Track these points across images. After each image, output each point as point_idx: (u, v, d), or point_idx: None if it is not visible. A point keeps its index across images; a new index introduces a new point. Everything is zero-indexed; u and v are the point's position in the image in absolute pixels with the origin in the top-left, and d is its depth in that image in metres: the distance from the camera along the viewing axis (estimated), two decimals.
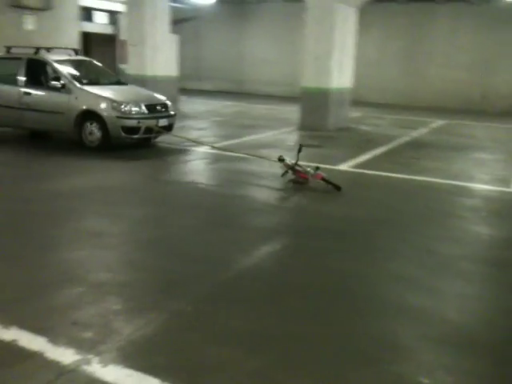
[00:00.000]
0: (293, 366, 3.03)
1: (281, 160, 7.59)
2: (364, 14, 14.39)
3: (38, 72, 9.59)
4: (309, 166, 7.36)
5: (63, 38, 19.60)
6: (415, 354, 3.24)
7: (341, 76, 12.92)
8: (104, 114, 8.73)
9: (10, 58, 10.05)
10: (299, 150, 7.52)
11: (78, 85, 9.06)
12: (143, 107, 9.03)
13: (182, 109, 16.16)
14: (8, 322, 3.27)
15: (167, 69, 15.81)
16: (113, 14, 23.56)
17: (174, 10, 16.19)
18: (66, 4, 19.57)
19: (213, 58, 25.06)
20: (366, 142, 11.50)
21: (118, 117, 8.73)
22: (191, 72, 24.07)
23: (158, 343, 3.17)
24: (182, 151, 9.41)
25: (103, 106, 8.78)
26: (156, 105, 9.41)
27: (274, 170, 7.97)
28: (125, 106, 8.79)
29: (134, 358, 3.01)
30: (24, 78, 9.41)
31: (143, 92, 10.20)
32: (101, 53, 28.03)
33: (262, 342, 3.26)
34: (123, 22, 20.48)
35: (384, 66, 21.32)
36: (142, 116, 8.97)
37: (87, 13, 22.30)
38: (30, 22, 18.08)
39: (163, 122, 9.33)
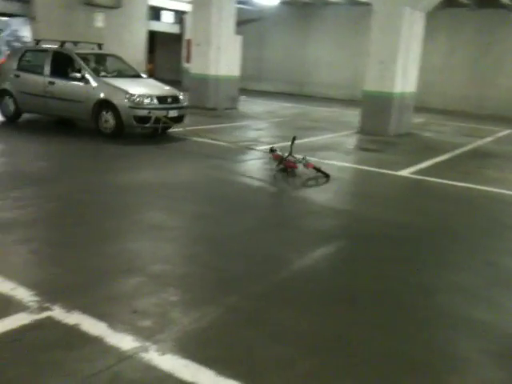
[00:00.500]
0: (346, 370, 3.00)
1: (272, 151, 8.20)
2: (431, 19, 14.05)
3: (62, 64, 10.14)
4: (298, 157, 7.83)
5: (131, 36, 20.22)
6: (475, 366, 3.14)
7: (405, 81, 12.67)
8: (118, 103, 9.35)
9: (38, 50, 10.85)
10: (293, 141, 8.08)
11: (95, 76, 9.73)
12: (155, 99, 9.61)
13: (241, 109, 16.33)
14: (71, 307, 3.39)
15: (230, 69, 15.97)
16: (179, 14, 24.07)
17: (239, 11, 16.33)
18: (136, 3, 20.15)
19: (274, 59, 25.14)
20: (429, 148, 11.22)
21: (130, 107, 9.33)
22: (252, 73, 24.23)
23: (213, 336, 3.22)
24: (235, 151, 9.47)
25: (118, 96, 9.40)
26: (167, 97, 9.97)
27: (332, 174, 7.91)
28: (137, 97, 9.38)
29: (190, 348, 3.06)
30: (49, 69, 10.10)
31: (157, 85, 10.68)
32: (165, 51, 28.79)
33: (314, 343, 3.24)
34: (189, 21, 20.88)
35: (449, 72, 20.73)
36: (153, 107, 9.54)
37: (154, 12, 22.87)
38: (100, 20, 18.72)
39: (173, 113, 9.94)
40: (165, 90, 10.35)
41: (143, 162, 8.09)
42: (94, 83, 9.62)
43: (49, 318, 3.24)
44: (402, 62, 12.34)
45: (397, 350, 3.23)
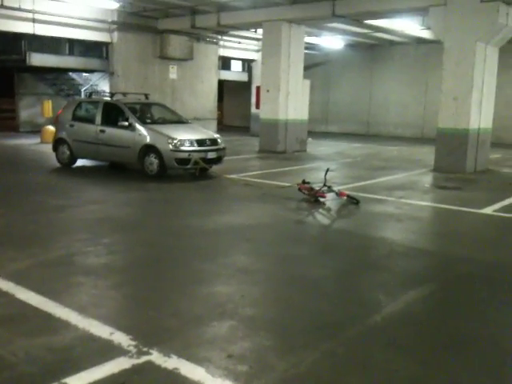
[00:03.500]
0: None
1: (305, 183, 8.83)
2: (504, 52, 13.74)
3: (112, 113, 11.04)
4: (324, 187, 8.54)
5: (203, 86, 21.04)
6: None
7: (480, 117, 12.36)
8: (161, 147, 10.07)
9: (91, 101, 12.08)
10: (326, 173, 8.85)
11: (141, 124, 10.50)
12: (194, 142, 10.26)
13: (310, 151, 16.41)
14: (168, 351, 3.41)
15: (298, 113, 16.19)
16: (246, 62, 24.82)
17: (306, 55, 16.63)
18: (207, 54, 21.03)
19: (340, 100, 25.29)
20: (510, 184, 10.78)
21: (172, 150, 10.01)
22: (319, 115, 24.46)
23: (312, 382, 3.14)
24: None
25: (160, 141, 10.13)
26: (206, 140, 10.58)
27: (411, 213, 7.74)
28: (178, 141, 10.02)
29: None
30: (100, 118, 11.02)
31: (197, 129, 11.36)
32: (234, 99, 29.65)
33: None
34: (257, 69, 21.49)
35: None
36: (193, 149, 10.15)
37: (224, 62, 23.70)
38: (173, 72, 19.62)
39: (212, 155, 10.59)
40: (204, 133, 11.03)
41: (215, 206, 8.21)
42: (139, 130, 10.37)
43: (148, 363, 3.27)
44: (477, 97, 12.08)
45: None
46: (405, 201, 8.76)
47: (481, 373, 3.32)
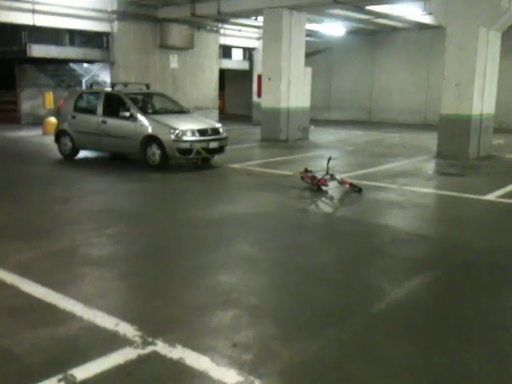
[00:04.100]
0: None
1: (307, 171, 8.84)
2: (506, 37, 13.61)
3: (113, 104, 11.04)
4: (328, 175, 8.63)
5: (204, 75, 20.97)
6: None
7: (482, 102, 12.29)
8: (162, 137, 10.06)
9: (92, 92, 12.18)
10: (328, 161, 8.93)
11: (143, 114, 10.48)
12: (196, 132, 10.23)
13: (312, 139, 16.37)
14: (173, 341, 3.43)
15: (300, 101, 16.13)
16: (247, 51, 24.70)
17: (307, 43, 16.54)
18: (207, 43, 20.93)
19: (342, 88, 25.19)
20: None
21: (174, 140, 10.02)
22: (321, 102, 24.37)
23: (319, 370, 3.15)
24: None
25: (162, 131, 10.12)
26: (208, 129, 10.56)
27: (414, 200, 7.73)
28: (179, 131, 9.98)
29: (295, 383, 3.01)
30: (102, 109, 11.01)
31: (198, 119, 11.39)
32: (235, 87, 29.54)
33: (428, 380, 3.10)
34: (258, 57, 21.39)
35: None
36: (195, 139, 10.13)
37: (224, 50, 23.59)
38: (174, 61, 19.53)
39: (214, 145, 10.57)
40: (206, 123, 11.04)
41: (217, 196, 8.22)
42: (141, 120, 10.35)
43: (154, 353, 3.29)
44: (479, 83, 12.00)
45: None
46: (408, 188, 8.74)
47: (488, 359, 3.32)
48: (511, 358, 3.37)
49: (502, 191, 8.51)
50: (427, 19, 18.67)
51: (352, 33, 23.14)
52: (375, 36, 23.73)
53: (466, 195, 8.24)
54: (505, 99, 17.49)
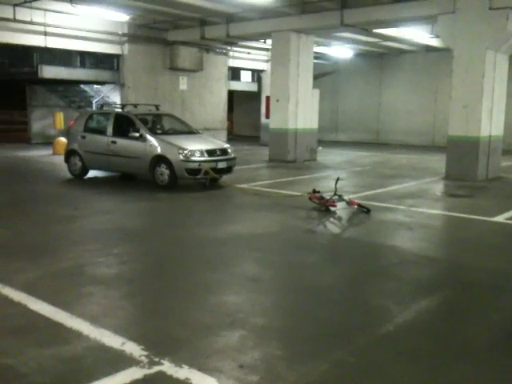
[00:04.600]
0: None
1: (315, 192, 8.80)
2: None
3: (123, 124, 11.15)
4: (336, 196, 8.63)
5: (212, 96, 21.17)
6: None
7: (491, 124, 12.31)
8: (171, 158, 10.14)
9: (102, 113, 12.21)
10: (336, 182, 8.96)
11: (152, 134, 10.57)
12: (205, 152, 10.28)
13: (320, 160, 16.41)
14: (179, 361, 3.42)
15: (308, 122, 16.23)
16: (256, 73, 24.95)
17: (315, 65, 16.69)
18: (216, 65, 21.17)
19: (349, 109, 25.32)
20: None
21: (182, 160, 10.08)
22: (328, 124, 24.49)
23: None
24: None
25: (171, 151, 10.19)
26: (216, 150, 10.62)
27: (422, 221, 7.70)
28: (188, 152, 10.04)
29: None
30: (111, 130, 11.11)
31: (207, 139, 11.47)
32: (243, 109, 29.78)
33: None
34: (266, 79, 21.59)
35: None
36: (203, 160, 10.19)
37: (233, 72, 23.85)
38: (183, 83, 19.75)
39: (222, 165, 10.62)
40: (214, 143, 11.10)
41: (225, 216, 8.24)
42: (150, 141, 10.44)
43: (160, 373, 3.28)
44: (487, 105, 12.04)
45: None
46: (415, 209, 8.72)
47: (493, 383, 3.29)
48: None
49: (510, 213, 8.46)
50: (434, 42, 18.82)
51: (359, 55, 23.35)
52: (382, 58, 23.92)
53: (474, 217, 8.21)
54: None
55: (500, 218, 8.10)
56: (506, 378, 3.36)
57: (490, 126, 12.32)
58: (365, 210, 8.29)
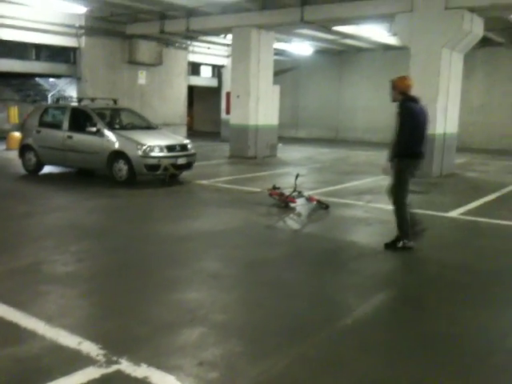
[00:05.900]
0: None
1: (275, 188, 8.86)
2: (468, 58, 14.07)
3: (80, 119, 10.91)
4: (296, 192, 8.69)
5: (172, 91, 20.95)
6: None
7: (446, 121, 12.62)
8: (130, 153, 9.97)
9: (58, 107, 11.97)
10: (296, 178, 8.97)
11: (109, 129, 10.38)
12: (164, 148, 10.17)
13: (280, 156, 16.48)
14: (138, 360, 3.37)
15: (268, 118, 16.26)
16: (216, 68, 24.83)
17: (275, 61, 16.73)
18: (176, 59, 20.94)
19: (310, 106, 25.51)
20: (475, 188, 11.03)
21: (141, 156, 9.93)
22: (288, 120, 24.58)
23: None
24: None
25: (129, 147, 10.03)
26: (176, 146, 10.52)
27: (380, 217, 7.83)
28: (147, 147, 9.91)
29: None
30: (68, 124, 10.88)
31: (166, 134, 11.33)
32: (203, 104, 29.60)
33: None
34: (226, 75, 21.52)
35: (489, 111, 20.58)
36: (163, 155, 10.07)
37: (193, 67, 23.66)
38: (142, 77, 19.47)
39: (182, 161, 10.52)
40: (174, 139, 11.02)
41: (185, 212, 8.17)
42: (108, 136, 10.26)
43: (118, 372, 3.23)
44: (443, 102, 12.33)
45: None
46: (373, 205, 8.87)
47: (449, 374, 3.38)
48: (469, 372, 3.42)
49: (464, 208, 8.71)
50: (392, 40, 19.13)
51: (319, 52, 23.54)
52: (342, 56, 24.19)
53: (429, 212, 8.39)
54: (467, 119, 18.01)
55: (454, 214, 8.33)
56: (461, 371, 3.46)
57: (445, 124, 12.63)
58: (324, 206, 8.38)
